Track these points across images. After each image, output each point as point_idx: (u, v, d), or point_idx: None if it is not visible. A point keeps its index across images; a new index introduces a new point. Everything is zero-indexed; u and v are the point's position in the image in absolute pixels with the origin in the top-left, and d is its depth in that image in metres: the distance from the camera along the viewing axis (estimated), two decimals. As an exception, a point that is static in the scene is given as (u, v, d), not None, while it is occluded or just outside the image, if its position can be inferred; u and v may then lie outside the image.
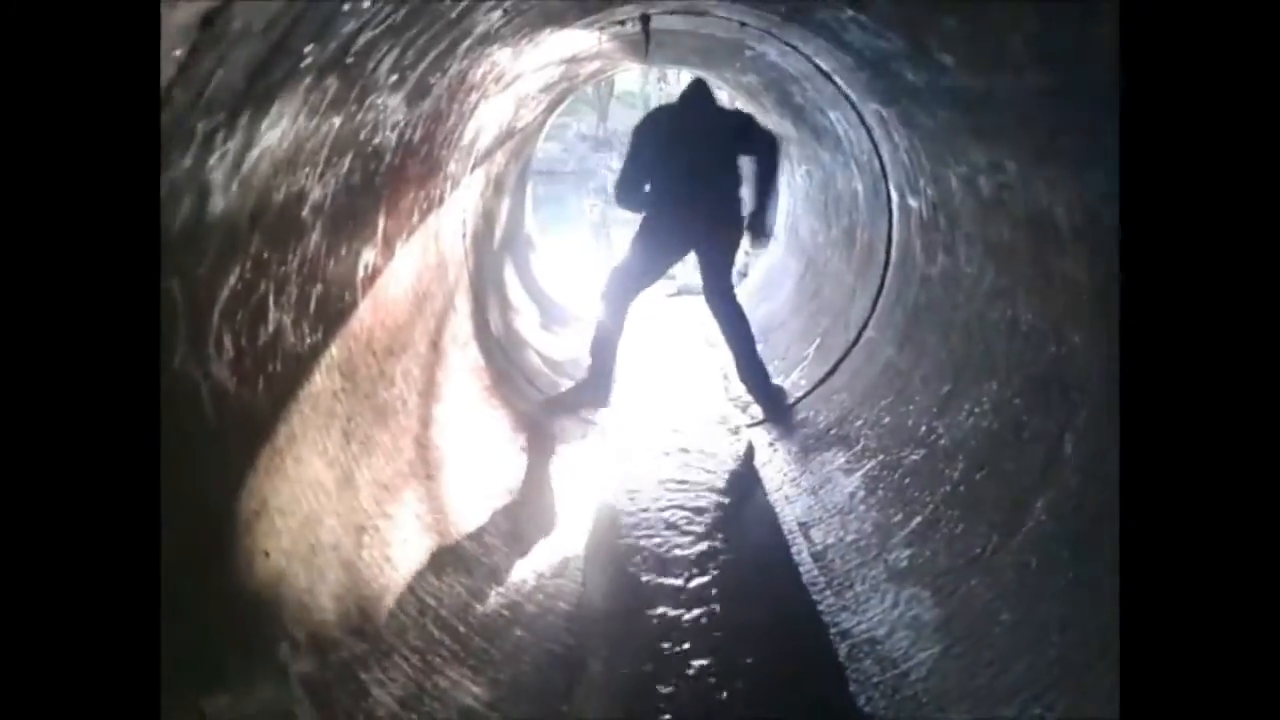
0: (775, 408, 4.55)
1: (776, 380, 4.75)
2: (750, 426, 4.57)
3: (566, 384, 4.85)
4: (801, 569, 3.13)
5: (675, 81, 12.63)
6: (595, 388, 4.62)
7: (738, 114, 5.30)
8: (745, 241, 4.68)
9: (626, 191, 4.48)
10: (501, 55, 3.23)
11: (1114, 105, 2.17)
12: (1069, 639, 2.20)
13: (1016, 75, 2.57)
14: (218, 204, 1.65)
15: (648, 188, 4.46)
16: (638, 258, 4.56)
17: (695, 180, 4.38)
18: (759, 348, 4.69)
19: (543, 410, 4.43)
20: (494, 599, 2.64)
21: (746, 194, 4.56)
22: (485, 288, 4.66)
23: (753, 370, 4.61)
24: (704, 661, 2.54)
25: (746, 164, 4.56)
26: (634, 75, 12.65)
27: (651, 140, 4.44)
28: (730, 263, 4.66)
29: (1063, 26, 2.17)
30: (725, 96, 7.54)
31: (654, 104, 5.73)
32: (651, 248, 4.54)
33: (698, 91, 4.57)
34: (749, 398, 4.77)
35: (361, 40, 1.91)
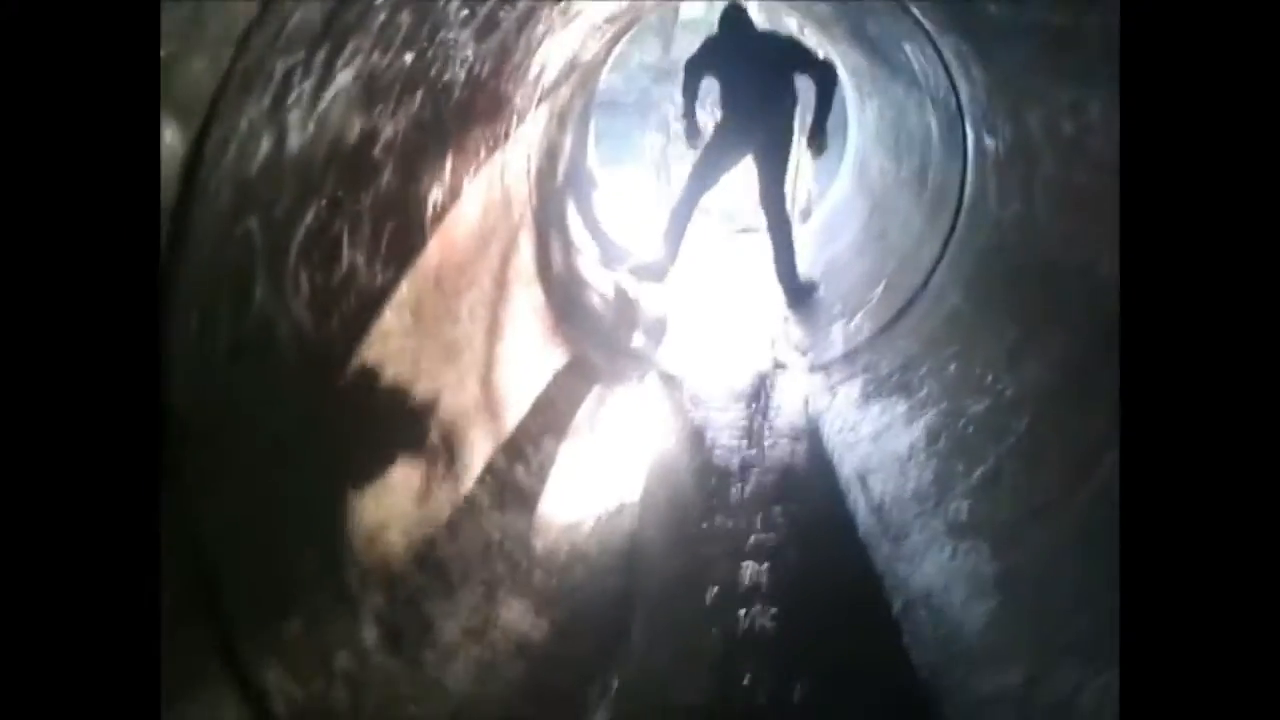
0: (798, 297, 5.53)
1: (818, 289, 5.65)
2: (810, 371, 4.54)
3: (626, 323, 4.87)
4: (858, 518, 3.12)
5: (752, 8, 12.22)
6: (665, 258, 5.72)
7: (781, 38, 5.94)
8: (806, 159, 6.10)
9: (688, 126, 5.63)
10: (569, -13, 3.17)
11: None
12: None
13: (1103, 11, 2.43)
14: (294, 143, 1.67)
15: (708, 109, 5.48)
16: (703, 162, 5.62)
17: (747, 99, 5.30)
18: (797, 262, 5.67)
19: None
20: (555, 535, 2.70)
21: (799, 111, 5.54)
22: (548, 225, 4.65)
23: (785, 263, 5.59)
24: (756, 608, 2.57)
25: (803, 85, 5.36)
26: (700, 4, 12.29)
27: (699, 70, 5.44)
28: (782, 171, 5.55)
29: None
30: (762, 18, 8.38)
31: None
32: (713, 155, 5.57)
33: (736, 18, 5.38)
34: (811, 341, 4.76)
35: (434, -25, 1.89)
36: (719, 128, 5.53)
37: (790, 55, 5.38)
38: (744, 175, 5.98)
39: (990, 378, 3.38)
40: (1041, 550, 2.57)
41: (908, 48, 4.56)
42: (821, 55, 5.65)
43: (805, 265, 6.23)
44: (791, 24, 11.29)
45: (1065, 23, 2.71)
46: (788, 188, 5.87)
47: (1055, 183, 3.23)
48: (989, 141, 3.86)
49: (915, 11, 4.03)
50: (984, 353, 3.54)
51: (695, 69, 5.50)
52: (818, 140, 5.45)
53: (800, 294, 5.52)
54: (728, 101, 5.44)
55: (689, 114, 5.57)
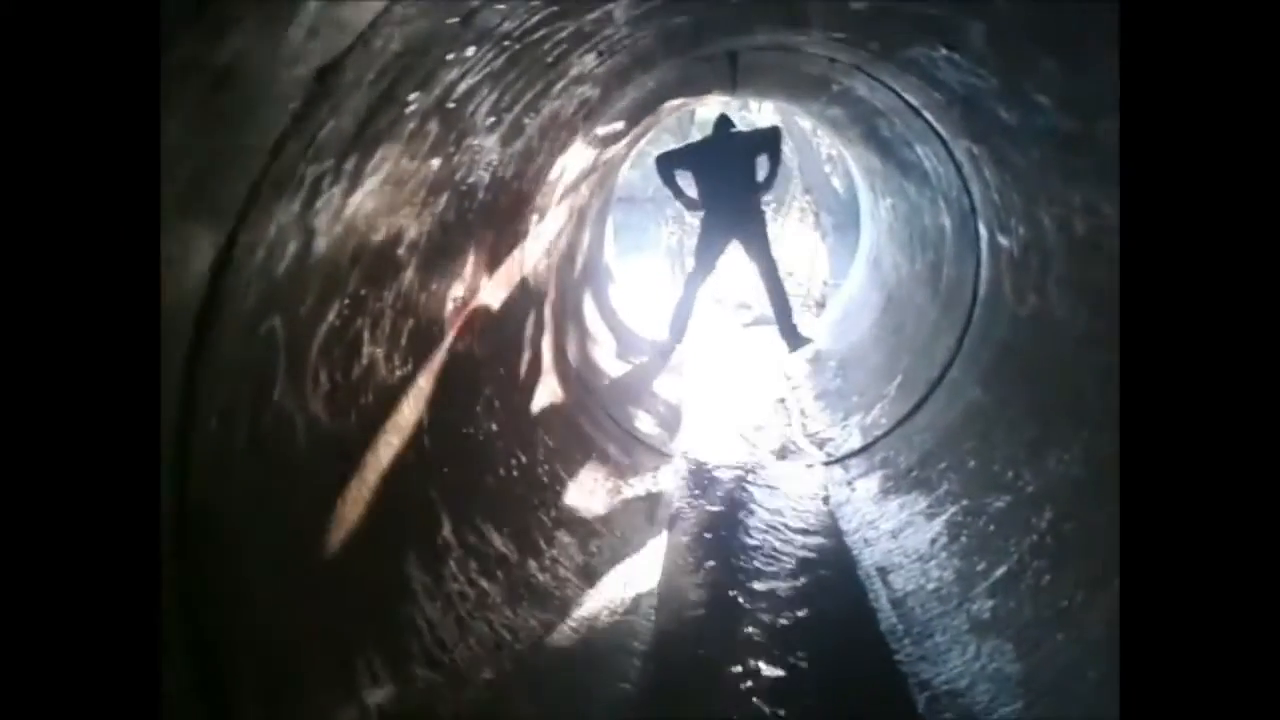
0: (793, 343, 6.38)
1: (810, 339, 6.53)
2: (827, 464, 4.51)
3: (642, 414, 4.88)
4: (880, 616, 3.06)
5: (757, 110, 12.64)
6: (674, 335, 6.46)
7: (737, 132, 6.67)
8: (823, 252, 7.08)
9: (686, 202, 6.53)
10: (592, 93, 3.29)
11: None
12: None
13: (1116, 118, 2.50)
14: (321, 245, 1.72)
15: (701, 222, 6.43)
16: (699, 250, 6.54)
17: (723, 187, 6.21)
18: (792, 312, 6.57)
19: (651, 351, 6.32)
20: (567, 634, 2.64)
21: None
22: (565, 318, 4.72)
23: (784, 321, 6.42)
24: (780, 710, 2.50)
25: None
26: (716, 104, 12.69)
27: (669, 164, 6.33)
28: (765, 242, 6.40)
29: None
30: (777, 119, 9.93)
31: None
32: (705, 242, 6.46)
33: (723, 124, 6.42)
34: (827, 434, 4.75)
35: (462, 87, 1.97)
36: (704, 220, 6.43)
37: (748, 141, 6.47)
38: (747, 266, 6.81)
39: (1011, 473, 3.34)
40: (1066, 651, 2.51)
41: (920, 149, 4.68)
42: (768, 125, 6.78)
43: (822, 356, 6.28)
44: (806, 126, 11.63)
45: (1075, 127, 2.78)
46: (802, 280, 6.48)
47: (1069, 281, 3.26)
48: (1002, 240, 3.92)
49: (927, 116, 4.14)
50: (1004, 448, 3.51)
51: (666, 162, 6.36)
52: (768, 187, 6.37)
53: (797, 343, 6.44)
54: (705, 194, 6.33)
55: (678, 194, 6.47)
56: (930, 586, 3.15)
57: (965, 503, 3.46)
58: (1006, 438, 3.54)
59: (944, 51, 3.14)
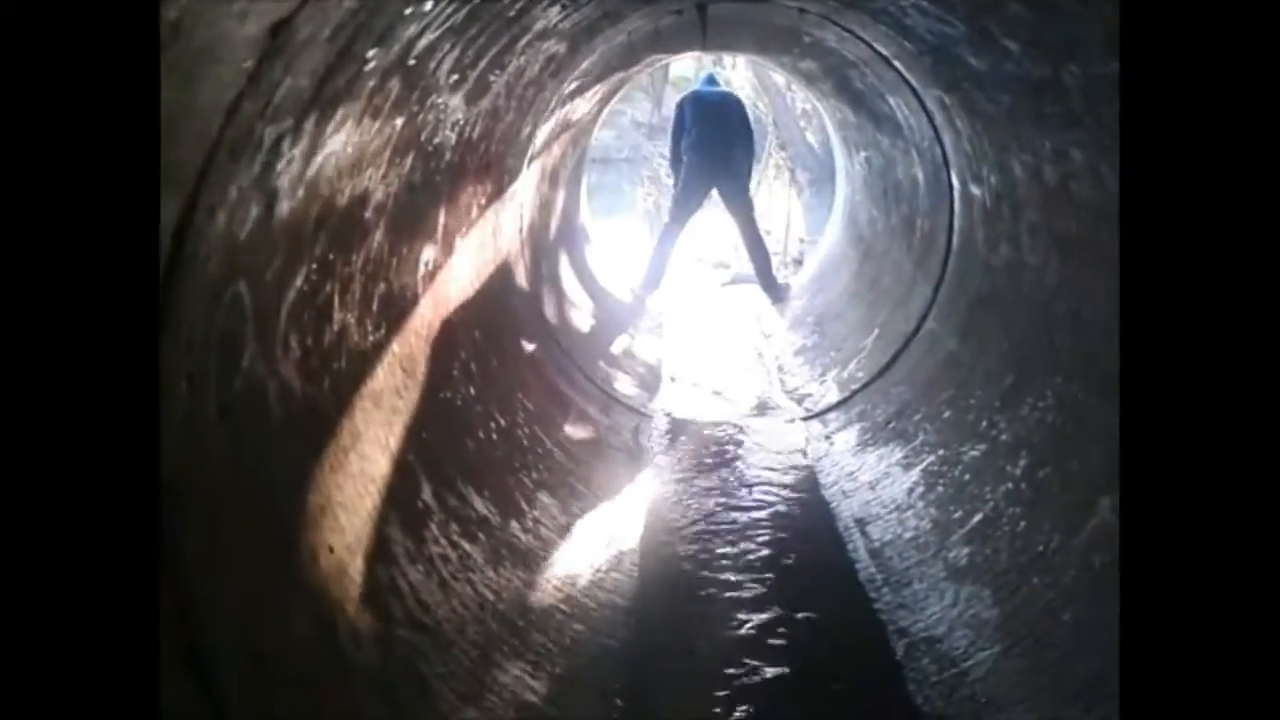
0: (774, 294, 6.85)
1: (787, 286, 7.10)
2: (806, 419, 4.54)
3: (620, 374, 4.89)
4: (858, 566, 3.10)
5: (730, 67, 12.50)
6: (650, 283, 6.86)
7: (734, 97, 7.40)
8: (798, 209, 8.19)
9: (672, 156, 7.13)
10: (559, 49, 3.24)
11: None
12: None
13: (1085, 61, 2.49)
14: (284, 208, 1.69)
15: (684, 152, 6.81)
16: (680, 193, 6.94)
17: (712, 139, 6.71)
18: (774, 266, 7.24)
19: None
20: (551, 593, 2.67)
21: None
22: (541, 281, 4.69)
23: (764, 273, 6.90)
24: (759, 660, 2.54)
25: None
26: (689, 61, 12.56)
27: (681, 116, 6.95)
28: (746, 197, 6.93)
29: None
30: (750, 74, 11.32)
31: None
32: (688, 185, 6.85)
33: (710, 81, 7.20)
34: (806, 389, 4.78)
35: (423, 42, 1.93)
36: (686, 167, 6.85)
37: (740, 110, 7.04)
38: (728, 222, 7.32)
39: (985, 422, 3.38)
40: (1042, 595, 2.56)
41: (892, 100, 4.65)
42: (752, 123, 7.27)
43: (800, 312, 6.31)
44: (779, 80, 11.54)
45: (1045, 73, 2.77)
46: (779, 237, 7.39)
47: (1041, 229, 3.27)
48: (975, 190, 3.92)
49: (898, 66, 4.12)
50: (979, 397, 3.54)
51: (679, 110, 7.06)
52: (771, 291, 6.94)
53: (778, 293, 6.87)
54: (693, 141, 6.78)
55: (676, 149, 7.03)
56: (907, 536, 3.19)
57: (941, 452, 3.50)
58: (981, 387, 3.57)
59: (913, -1, 3.12)
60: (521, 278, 4.19)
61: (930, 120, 4.19)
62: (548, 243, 5.19)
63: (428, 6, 1.79)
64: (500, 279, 3.72)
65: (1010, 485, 3.02)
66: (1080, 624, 2.37)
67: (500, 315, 3.67)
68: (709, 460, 4.04)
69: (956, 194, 4.17)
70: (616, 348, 5.45)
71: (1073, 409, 2.92)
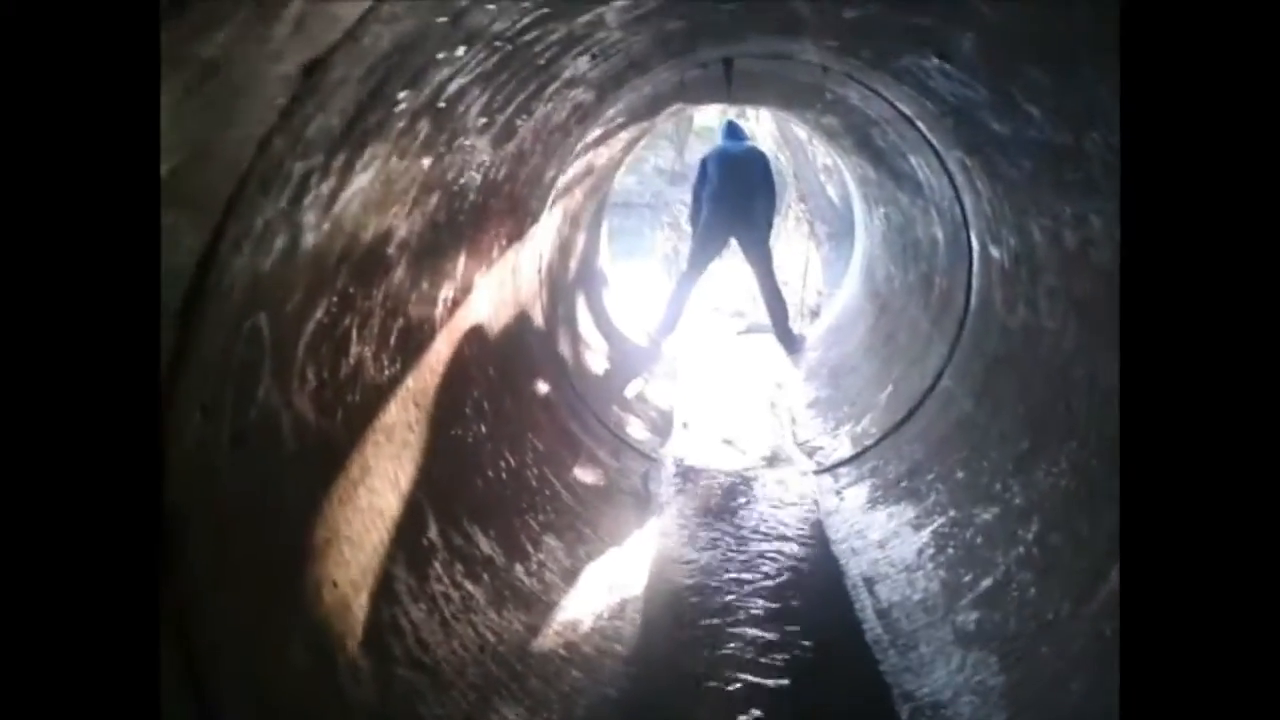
0: (789, 345, 6.85)
1: (799, 333, 7.14)
2: (817, 473, 4.51)
3: (632, 419, 4.88)
4: (865, 626, 3.05)
5: (754, 119, 12.67)
6: (666, 327, 6.93)
7: (759, 151, 7.34)
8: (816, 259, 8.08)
9: (693, 205, 7.12)
10: (586, 97, 3.30)
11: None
12: None
13: (1106, 130, 2.51)
14: (308, 242, 1.72)
15: (705, 201, 6.87)
16: (698, 243, 7.01)
17: (733, 189, 6.79)
18: (790, 320, 7.21)
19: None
20: (552, 638, 2.64)
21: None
22: (557, 321, 4.72)
23: (781, 324, 6.93)
24: (761, 715, 2.49)
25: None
26: (713, 112, 12.70)
27: (704, 168, 6.98)
28: (765, 249, 6.95)
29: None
30: (773, 128, 11.56)
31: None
32: (707, 233, 6.92)
33: (731, 128, 7.16)
34: (818, 442, 4.76)
35: (453, 86, 1.97)
36: (706, 215, 6.91)
37: (764, 164, 7.05)
38: (745, 271, 7.37)
39: (999, 485, 3.35)
40: (1050, 663, 2.51)
41: (913, 159, 4.69)
42: (774, 176, 7.41)
43: (814, 365, 6.31)
44: (801, 134, 11.66)
45: (1066, 140, 2.79)
46: (797, 288, 7.40)
47: (1060, 293, 3.27)
48: (994, 251, 3.93)
49: (920, 126, 4.16)
50: (993, 459, 3.51)
51: (702, 165, 7.11)
52: (787, 342, 6.96)
53: (793, 344, 6.90)
54: (714, 190, 6.84)
55: (699, 199, 7.04)
56: (916, 597, 3.14)
57: (953, 513, 3.46)
58: (996, 449, 3.54)
59: (935, 61, 3.15)
60: (538, 318, 4.21)
61: (951, 181, 4.22)
62: (566, 284, 5.22)
63: (460, 52, 1.83)
64: (517, 318, 3.74)
65: (1022, 550, 2.98)
66: (1089, 694, 2.31)
67: (515, 354, 3.69)
68: (718, 509, 4.01)
69: (975, 254, 4.19)
70: (630, 392, 5.45)
71: (1087, 475, 2.89)
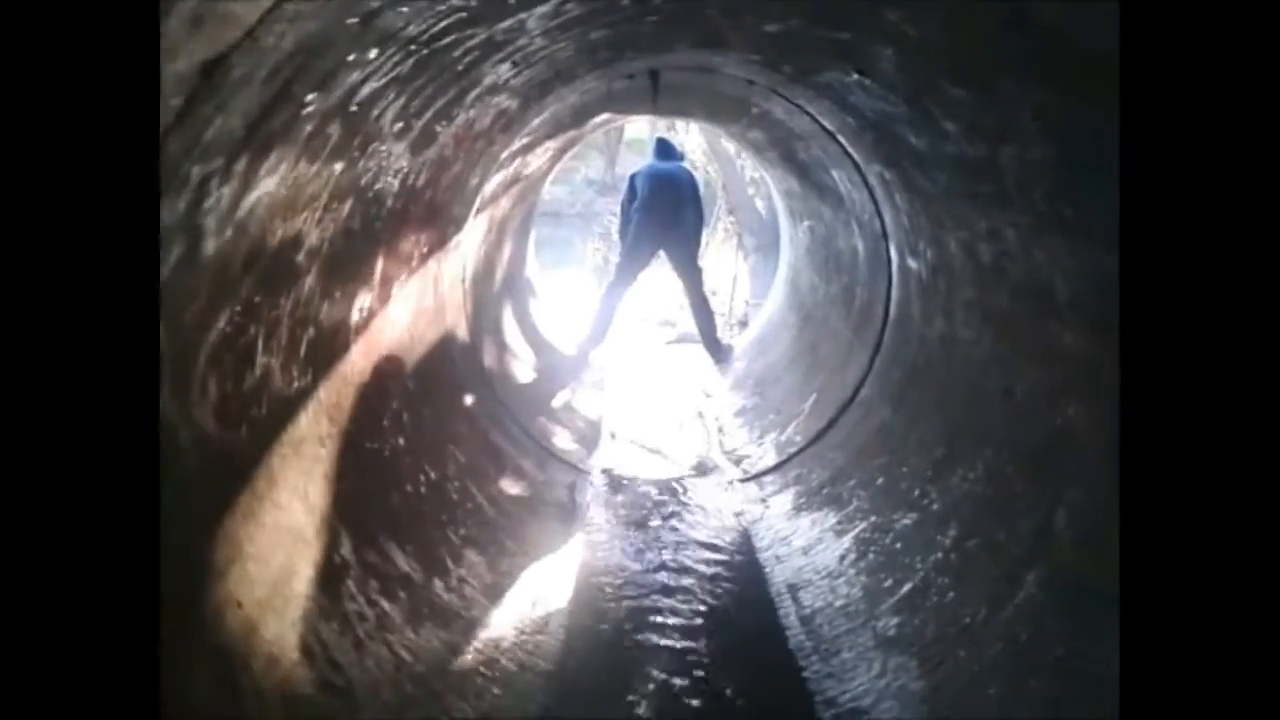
0: (717, 355, 6.93)
1: (728, 346, 7.18)
2: (743, 481, 4.53)
3: (559, 430, 4.84)
4: (789, 633, 3.07)
5: (684, 131, 12.77)
6: (594, 338, 6.87)
7: (686, 170, 7.45)
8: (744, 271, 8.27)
9: (621, 220, 7.18)
10: (510, 104, 3.26)
11: (1115, 177, 2.18)
12: (1058, 717, 2.16)
13: (1021, 145, 2.58)
14: (209, 248, 1.64)
15: (634, 213, 6.92)
16: (627, 252, 7.01)
17: (661, 201, 6.85)
18: (717, 322, 7.38)
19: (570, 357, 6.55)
20: (472, 655, 2.58)
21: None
22: (482, 332, 4.65)
23: (708, 334, 7.01)
24: (684, 728, 2.48)
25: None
26: (644, 124, 12.76)
27: (633, 184, 7.04)
28: (693, 262, 7.02)
29: (1069, 100, 2.18)
30: (701, 140, 11.83)
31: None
32: (635, 244, 6.93)
33: (663, 146, 7.28)
34: (744, 451, 4.79)
35: (366, 90, 1.92)
36: (636, 226, 6.92)
37: (691, 181, 7.16)
38: (674, 282, 7.46)
39: (918, 491, 3.41)
40: (968, 668, 2.55)
41: (835, 173, 4.77)
42: (701, 191, 7.46)
43: (741, 374, 6.36)
44: (729, 148, 11.79)
45: (981, 154, 2.86)
46: (725, 299, 7.25)
47: (975, 305, 3.35)
48: (912, 263, 4.01)
49: (842, 141, 4.23)
50: (911, 465, 3.58)
51: (630, 180, 7.18)
52: (715, 352, 7.03)
53: (721, 354, 6.96)
54: (645, 206, 6.89)
55: (627, 214, 7.09)
56: (838, 603, 3.17)
57: (874, 519, 3.51)
58: (914, 456, 3.61)
59: (855, 77, 3.21)
60: (462, 328, 4.14)
61: (871, 194, 4.30)
62: (491, 294, 5.16)
63: (372, 55, 1.78)
64: (439, 328, 3.67)
65: (940, 555, 3.03)
66: (1005, 697, 2.36)
67: (436, 365, 3.61)
68: (645, 519, 3.99)
69: (895, 267, 4.27)
70: (557, 402, 5.41)
71: (1001, 482, 2.96)
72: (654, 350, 7.77)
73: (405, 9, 1.70)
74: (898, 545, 3.27)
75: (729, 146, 11.77)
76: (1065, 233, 2.54)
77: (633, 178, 7.15)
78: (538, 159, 5.36)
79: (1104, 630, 2.19)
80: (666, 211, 6.85)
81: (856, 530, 3.53)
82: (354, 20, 1.59)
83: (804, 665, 2.87)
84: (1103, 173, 2.24)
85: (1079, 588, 2.39)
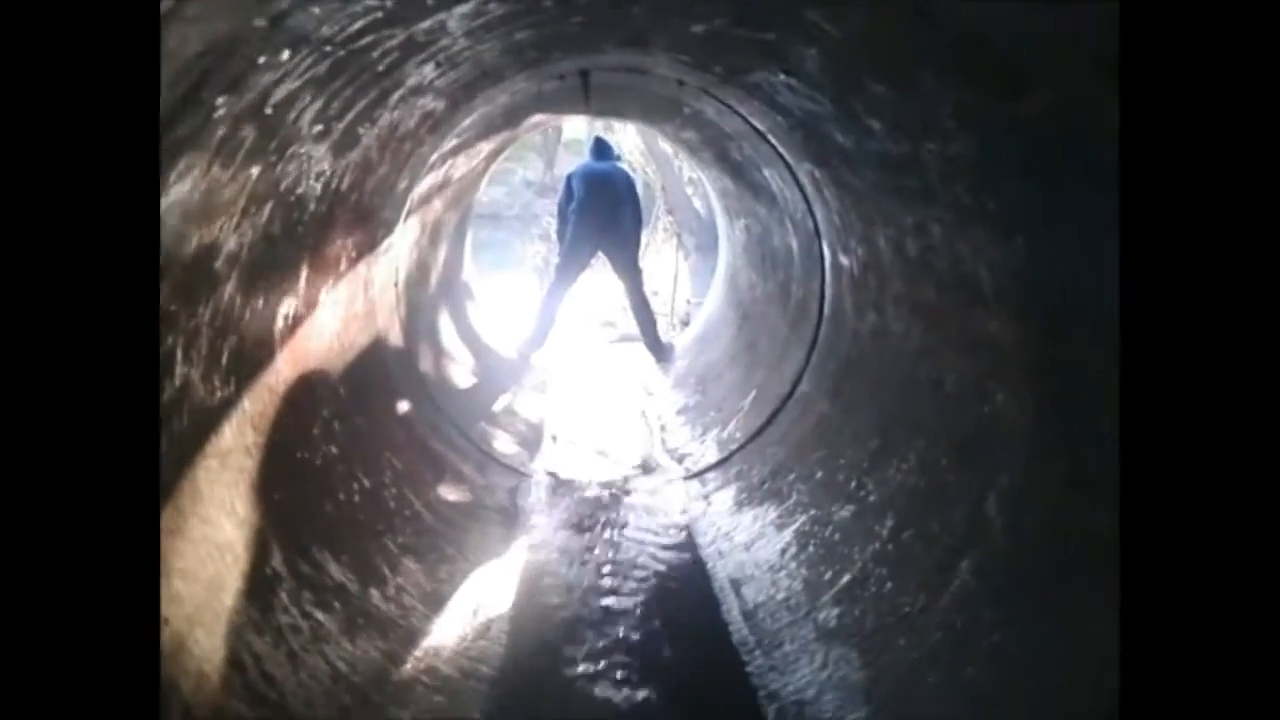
0: (659, 354, 7.00)
1: (669, 348, 7.19)
2: (686, 479, 4.55)
3: (500, 433, 4.80)
4: (731, 628, 3.09)
5: (621, 131, 12.78)
6: (535, 341, 6.90)
7: (625, 172, 7.47)
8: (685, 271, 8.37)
9: (559, 221, 7.20)
10: (436, 105, 3.22)
11: (1036, 171, 2.23)
12: (993, 706, 2.20)
13: (942, 141, 2.63)
14: (119, 257, 1.59)
15: (571, 214, 6.93)
16: (566, 253, 7.00)
17: (598, 202, 6.87)
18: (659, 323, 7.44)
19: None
20: (411, 664, 2.54)
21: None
22: (417, 336, 4.59)
23: (650, 334, 7.06)
24: (628, 727, 2.47)
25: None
26: (581, 124, 12.74)
27: (569, 184, 7.05)
28: (633, 262, 7.03)
29: (988, 95, 2.23)
30: (639, 141, 11.91)
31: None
32: (574, 246, 6.94)
33: (599, 146, 7.25)
34: (687, 448, 4.81)
35: (281, 92, 1.87)
36: (574, 228, 6.92)
37: (628, 181, 7.17)
38: (614, 283, 7.45)
39: (855, 483, 3.46)
40: (907, 657, 2.59)
41: (768, 172, 4.82)
42: (639, 191, 7.46)
43: (683, 373, 6.38)
44: (666, 149, 11.85)
45: (905, 151, 2.91)
46: (666, 298, 7.06)
47: (904, 299, 3.41)
48: (844, 260, 4.07)
49: (772, 140, 4.27)
50: (849, 458, 3.63)
51: (567, 181, 7.18)
52: (656, 351, 7.10)
53: (662, 353, 7.03)
54: (581, 203, 6.90)
55: (565, 215, 7.09)
56: (780, 596, 3.20)
57: (813, 512, 3.56)
58: (851, 448, 3.66)
59: (782, 77, 3.24)
60: (395, 333, 4.08)
61: (803, 192, 4.35)
62: (426, 298, 5.09)
63: (284, 56, 1.74)
64: (370, 334, 3.61)
65: (877, 546, 3.08)
66: (943, 686, 2.40)
67: (369, 371, 3.55)
68: (588, 521, 3.98)
69: (828, 263, 4.33)
70: (497, 406, 5.37)
71: (934, 472, 3.02)
72: (596, 351, 7.76)
73: (316, 10, 1.67)
74: (836, 537, 3.31)
75: (666, 147, 11.82)
76: (988, 224, 2.60)
77: (569, 178, 7.12)
78: (470, 160, 5.31)
79: (1033, 615, 2.25)
80: (604, 211, 6.85)
81: (797, 524, 3.57)
82: (262, 22, 1.55)
83: (747, 660, 2.89)
84: (1023, 167, 2.31)
85: (1008, 573, 2.45)
